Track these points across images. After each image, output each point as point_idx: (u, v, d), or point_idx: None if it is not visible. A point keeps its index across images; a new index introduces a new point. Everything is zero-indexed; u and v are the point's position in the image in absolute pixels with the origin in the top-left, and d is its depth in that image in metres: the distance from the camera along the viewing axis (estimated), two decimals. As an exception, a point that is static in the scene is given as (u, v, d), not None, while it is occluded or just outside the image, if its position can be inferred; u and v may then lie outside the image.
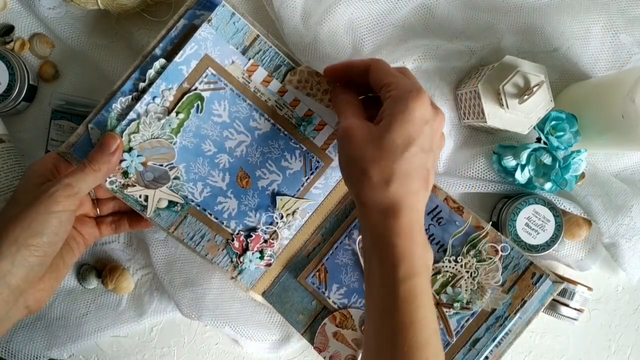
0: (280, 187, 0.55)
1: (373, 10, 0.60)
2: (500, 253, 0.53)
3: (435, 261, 0.53)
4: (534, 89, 0.52)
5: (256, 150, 0.54)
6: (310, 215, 0.57)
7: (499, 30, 0.60)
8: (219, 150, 0.53)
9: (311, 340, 0.56)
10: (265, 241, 0.56)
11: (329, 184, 0.56)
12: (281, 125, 0.54)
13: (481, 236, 0.53)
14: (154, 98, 0.50)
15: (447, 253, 0.54)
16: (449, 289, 0.53)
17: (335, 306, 0.56)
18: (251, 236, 0.55)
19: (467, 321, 0.53)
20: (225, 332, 0.61)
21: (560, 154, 0.56)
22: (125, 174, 0.51)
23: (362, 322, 0.55)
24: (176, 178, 0.52)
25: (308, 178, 0.56)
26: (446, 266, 0.54)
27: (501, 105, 0.53)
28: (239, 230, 0.55)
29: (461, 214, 0.54)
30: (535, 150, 0.56)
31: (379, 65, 0.47)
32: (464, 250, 0.54)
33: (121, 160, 0.50)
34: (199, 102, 0.51)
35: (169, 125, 0.51)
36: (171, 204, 0.53)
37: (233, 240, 0.55)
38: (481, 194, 0.63)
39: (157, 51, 0.50)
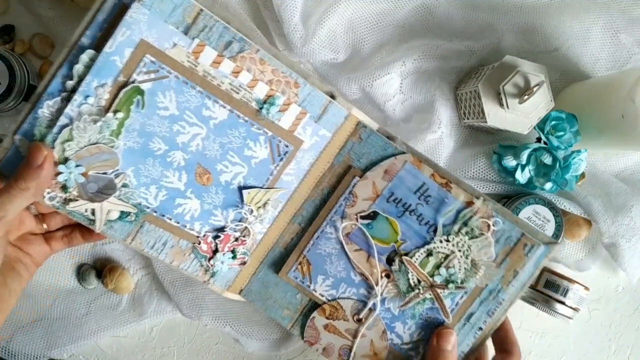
0: (246, 179, 0.50)
1: (373, 10, 0.60)
2: (492, 228, 0.51)
3: (426, 242, 0.51)
4: (534, 89, 0.52)
5: (214, 142, 0.48)
6: (284, 205, 0.52)
7: (499, 30, 0.60)
8: (170, 147, 0.47)
9: (301, 334, 0.53)
10: (236, 239, 0.51)
11: (301, 168, 0.51)
12: (239, 110, 0.48)
13: (472, 213, 0.51)
14: (86, 97, 0.44)
15: (438, 233, 0.51)
16: (442, 270, 0.51)
17: (323, 298, 0.53)
18: (219, 236, 0.51)
19: (461, 298, 0.51)
20: (226, 331, 0.61)
21: (561, 154, 0.56)
22: (64, 188, 0.45)
23: (355, 311, 0.53)
24: (124, 185, 0.47)
25: (277, 165, 0.50)
26: (438, 246, 0.51)
27: (501, 105, 0.53)
28: (205, 232, 0.50)
29: (450, 189, 0.51)
30: (535, 150, 0.56)
31: None
32: (455, 228, 0.51)
33: (58, 173, 0.44)
34: (139, 97, 0.45)
35: (108, 127, 0.45)
36: (123, 214, 0.48)
37: (200, 243, 0.50)
38: (481, 194, 0.63)
39: (84, 40, 0.43)
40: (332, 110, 0.50)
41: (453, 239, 0.51)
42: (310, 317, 0.53)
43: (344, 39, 0.60)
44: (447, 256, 0.51)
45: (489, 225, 0.50)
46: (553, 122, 0.55)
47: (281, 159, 0.50)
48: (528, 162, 0.56)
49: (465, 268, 0.51)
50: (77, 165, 0.45)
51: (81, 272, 0.61)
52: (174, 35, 0.44)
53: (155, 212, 0.49)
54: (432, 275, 0.51)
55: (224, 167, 0.49)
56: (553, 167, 0.56)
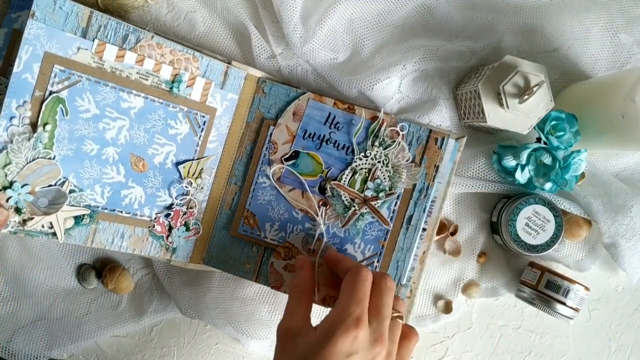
0: (177, 156, 0.54)
1: (373, 10, 0.60)
2: (400, 133, 0.55)
3: (349, 163, 0.56)
4: (534, 89, 0.52)
5: (139, 130, 0.52)
6: (216, 170, 0.57)
7: (499, 30, 0.60)
8: (101, 145, 0.50)
9: (266, 282, 0.57)
10: (185, 213, 0.55)
11: (221, 132, 0.56)
12: (153, 94, 0.52)
13: (379, 124, 0.56)
14: (10, 119, 0.45)
15: (356, 152, 0.56)
16: (369, 184, 0.55)
17: (275, 242, 0.57)
18: (170, 214, 0.55)
19: (395, 205, 0.56)
20: (226, 331, 0.61)
21: (560, 154, 0.56)
22: (17, 210, 0.46)
23: (305, 243, 0.56)
24: (72, 191, 0.49)
25: (200, 136, 0.55)
26: (359, 164, 0.56)
27: (501, 105, 0.53)
28: (155, 215, 0.54)
29: (353, 111, 0.56)
30: (535, 150, 0.56)
31: (354, 275, 0.47)
32: (369, 143, 0.56)
33: (7, 198, 0.46)
34: (61, 105, 0.47)
35: (40, 141, 0.47)
36: (77, 218, 0.50)
37: (154, 226, 0.54)
38: (481, 194, 0.63)
39: None
40: (232, 74, 0.55)
41: (370, 153, 0.56)
42: (269, 263, 0.57)
43: (344, 39, 0.60)
44: (370, 170, 0.56)
45: (397, 132, 0.55)
46: (553, 122, 0.55)
47: (202, 130, 0.55)
48: (528, 162, 0.56)
49: (389, 175, 0.55)
50: (23, 186, 0.46)
51: (81, 272, 0.61)
52: (74, 41, 0.47)
53: (106, 209, 0.51)
54: (362, 191, 0.56)
55: (154, 150, 0.53)
56: (553, 167, 0.56)
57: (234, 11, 0.59)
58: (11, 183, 0.46)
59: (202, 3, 0.59)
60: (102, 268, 0.61)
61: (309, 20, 0.58)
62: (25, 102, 0.46)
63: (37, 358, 0.60)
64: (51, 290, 0.61)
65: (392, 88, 0.59)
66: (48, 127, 0.47)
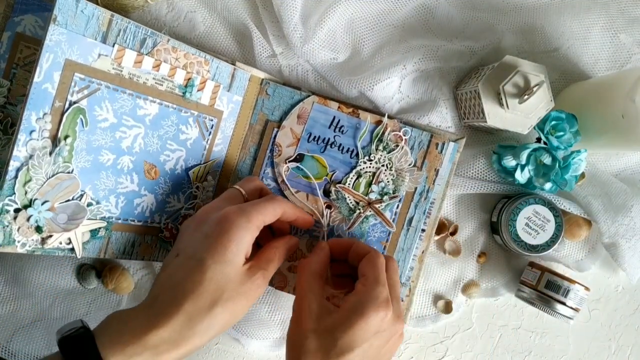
0: (187, 161, 0.54)
1: (373, 10, 0.60)
2: (404, 137, 0.56)
3: (353, 167, 0.57)
4: (534, 89, 0.52)
5: (153, 137, 0.51)
6: (220, 172, 0.57)
7: (499, 30, 0.60)
8: (117, 154, 0.49)
9: (270, 283, 0.57)
10: None
11: (226, 135, 0.56)
12: (167, 100, 0.51)
13: (383, 129, 0.56)
14: (30, 133, 0.42)
15: (360, 156, 0.57)
16: (374, 187, 0.56)
17: None
18: (178, 219, 0.55)
19: (397, 207, 0.57)
20: (226, 331, 0.61)
21: (560, 154, 0.56)
22: (38, 229, 0.44)
23: (310, 245, 0.57)
24: (89, 204, 0.48)
25: (207, 140, 0.55)
26: (363, 167, 0.57)
27: (501, 105, 0.53)
28: (164, 221, 0.54)
29: (358, 115, 0.57)
30: (535, 150, 0.56)
31: (375, 259, 0.49)
32: (373, 147, 0.56)
33: (28, 217, 0.44)
34: (82, 116, 0.45)
35: (60, 155, 0.44)
36: (94, 231, 0.49)
37: (162, 232, 0.54)
38: (481, 194, 0.63)
39: None
40: (238, 76, 0.55)
41: (374, 157, 0.56)
42: None
43: (344, 39, 0.60)
44: (374, 173, 0.56)
45: (400, 137, 0.56)
46: (553, 122, 0.55)
47: (210, 133, 0.55)
48: (527, 162, 0.56)
49: (392, 179, 0.56)
50: (43, 203, 0.44)
51: (81, 272, 0.61)
52: (94, 47, 0.45)
53: (119, 219, 0.51)
54: (366, 194, 0.56)
55: (166, 156, 0.52)
56: (553, 167, 0.56)
57: (234, 11, 0.59)
58: (31, 201, 0.43)
59: (202, 3, 0.59)
60: (102, 268, 0.61)
61: (309, 20, 0.58)
62: (45, 114, 0.43)
63: (37, 358, 0.60)
64: (51, 290, 0.61)
65: (392, 88, 0.59)
66: (69, 140, 0.45)
